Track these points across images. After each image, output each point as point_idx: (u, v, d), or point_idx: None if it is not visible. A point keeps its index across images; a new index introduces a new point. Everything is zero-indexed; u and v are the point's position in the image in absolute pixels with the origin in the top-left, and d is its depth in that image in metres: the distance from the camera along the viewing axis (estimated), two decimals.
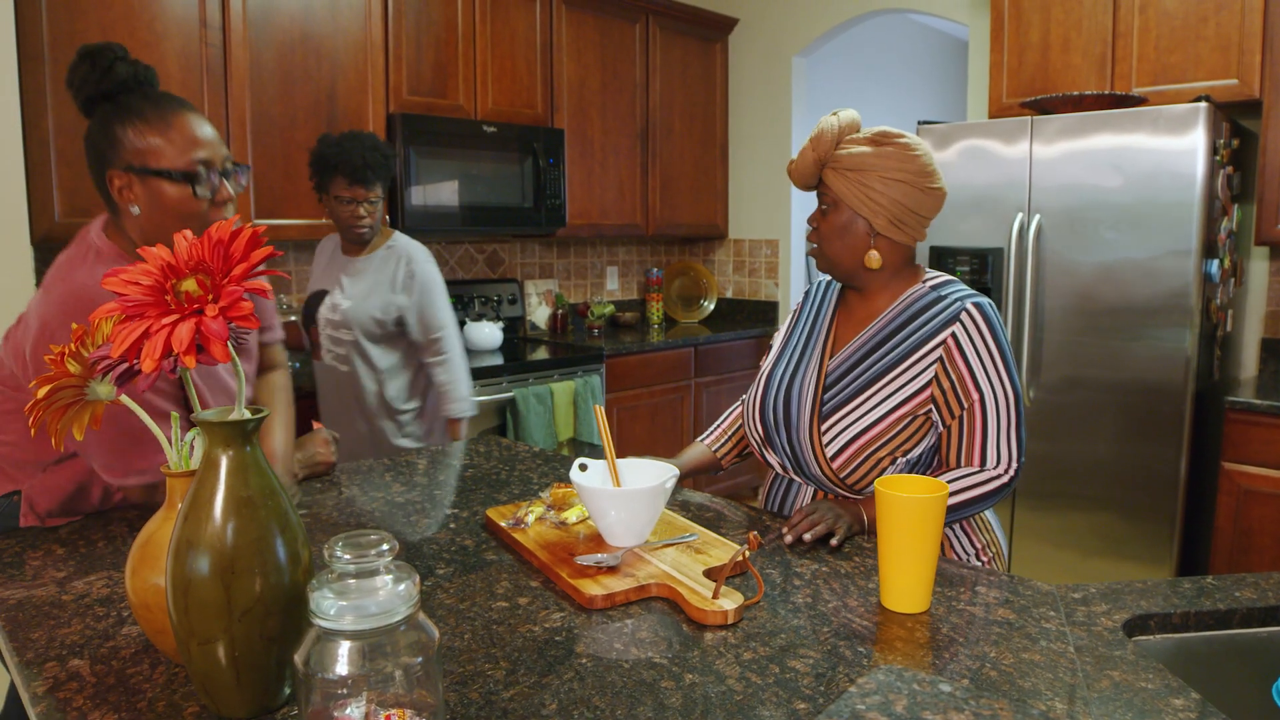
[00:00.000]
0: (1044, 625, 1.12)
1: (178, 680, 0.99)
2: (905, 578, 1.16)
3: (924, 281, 1.58)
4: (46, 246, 2.97)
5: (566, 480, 1.73)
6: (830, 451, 1.52)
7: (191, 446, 1.01)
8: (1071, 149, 3.04)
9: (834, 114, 1.54)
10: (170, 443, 1.00)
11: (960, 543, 1.57)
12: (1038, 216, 3.12)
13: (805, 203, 5.07)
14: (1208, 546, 3.00)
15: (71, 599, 1.23)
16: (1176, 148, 2.83)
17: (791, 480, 1.65)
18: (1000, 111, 3.55)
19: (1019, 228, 3.15)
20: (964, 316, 1.49)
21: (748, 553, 1.23)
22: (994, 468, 1.48)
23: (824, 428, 1.53)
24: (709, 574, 1.23)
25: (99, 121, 1.46)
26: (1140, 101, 3.09)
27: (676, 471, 1.38)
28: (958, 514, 1.46)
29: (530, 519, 1.45)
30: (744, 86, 5.03)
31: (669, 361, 4.26)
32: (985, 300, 1.52)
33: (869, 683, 0.97)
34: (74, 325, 1.00)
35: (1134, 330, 2.96)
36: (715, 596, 1.14)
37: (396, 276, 2.67)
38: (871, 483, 1.50)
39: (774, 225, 4.99)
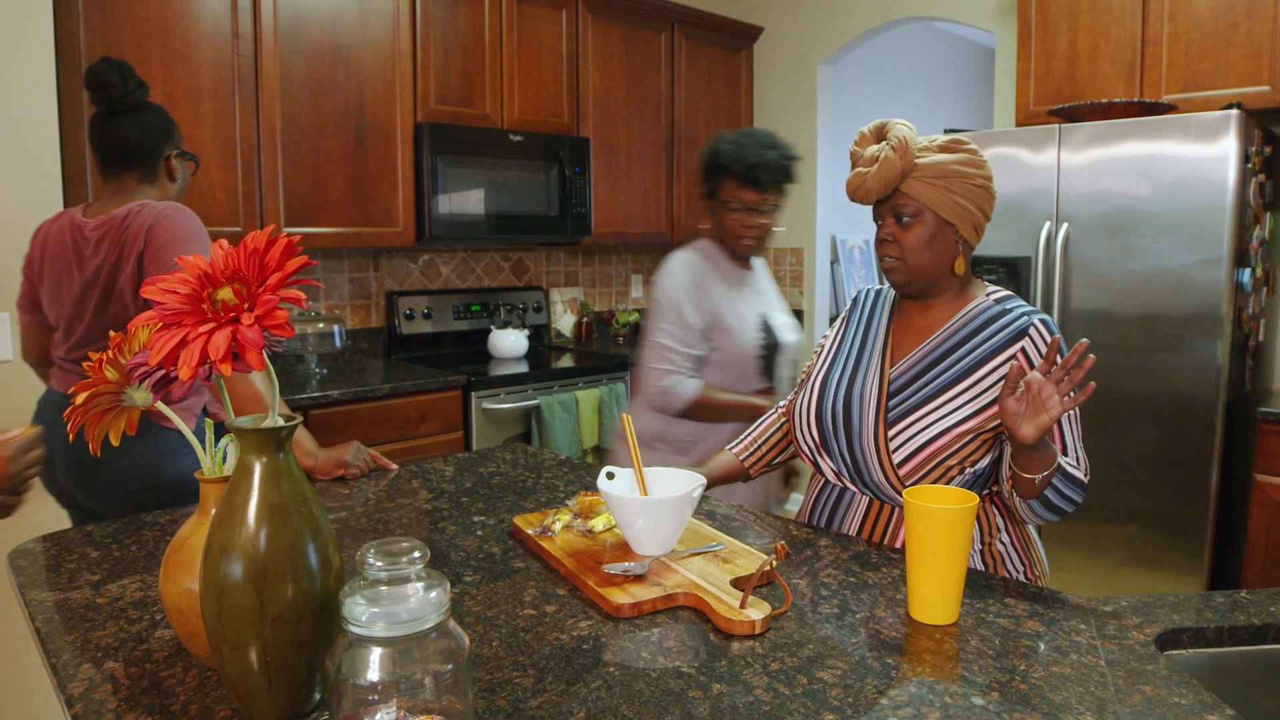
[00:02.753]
0: (1074, 639, 1.11)
1: (210, 684, 1.00)
2: (934, 589, 1.15)
3: (987, 295, 1.59)
4: None
5: (593, 488, 1.74)
6: (898, 459, 1.51)
7: (225, 453, 1.02)
8: (1100, 157, 3.01)
9: (896, 122, 1.52)
10: (204, 449, 1.01)
11: (1011, 559, 1.55)
12: (1066, 225, 3.09)
13: (830, 211, 5.06)
14: (1240, 559, 2.96)
15: (106, 602, 1.24)
16: (1207, 155, 2.80)
17: (844, 490, 1.63)
18: (1027, 119, 3.53)
19: (1046, 236, 3.13)
20: (1032, 332, 1.50)
21: (775, 562, 1.23)
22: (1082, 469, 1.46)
23: (890, 434, 1.52)
24: (736, 583, 1.23)
25: (160, 119, 2.05)
26: (1170, 109, 3.06)
27: (704, 481, 1.38)
28: (1067, 491, 1.40)
29: (557, 527, 1.45)
30: (769, 95, 5.03)
31: None
32: (1049, 317, 1.53)
33: (900, 695, 0.96)
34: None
35: (1164, 340, 2.93)
36: (743, 606, 1.14)
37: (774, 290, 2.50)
38: None
39: (799, 233, 4.98)
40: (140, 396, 1.03)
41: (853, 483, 1.60)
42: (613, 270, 4.88)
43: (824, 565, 1.37)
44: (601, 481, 1.39)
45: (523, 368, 3.67)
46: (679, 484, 1.42)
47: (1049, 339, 1.49)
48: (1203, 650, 1.14)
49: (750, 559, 1.32)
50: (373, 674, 0.77)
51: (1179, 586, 2.95)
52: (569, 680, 1.00)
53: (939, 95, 6.62)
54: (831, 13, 4.72)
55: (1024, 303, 1.57)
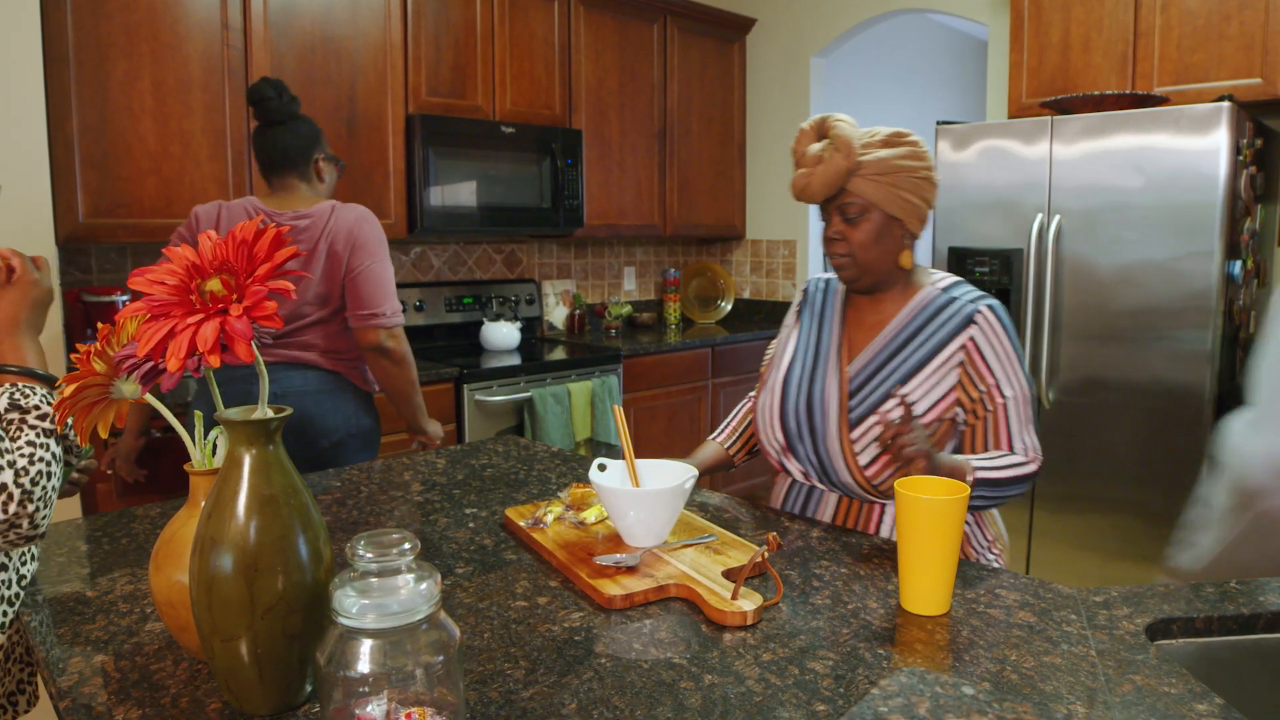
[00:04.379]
0: (1065, 629, 1.11)
1: (200, 676, 1.00)
2: (925, 580, 1.15)
3: (933, 283, 1.60)
4: (72, 247, 3.01)
5: (585, 480, 1.74)
6: (864, 460, 1.53)
7: (215, 445, 1.02)
8: (1092, 149, 3.02)
9: (835, 118, 1.52)
10: (194, 441, 1.01)
11: (976, 535, 1.59)
12: (1058, 217, 3.10)
13: None
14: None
15: (96, 595, 1.24)
16: (1199, 148, 2.81)
17: (813, 489, 1.64)
18: (1020, 112, 3.53)
19: (1039, 228, 3.14)
20: (979, 319, 1.52)
21: (767, 554, 1.23)
22: (1024, 455, 1.52)
23: (854, 435, 1.53)
24: (728, 575, 1.23)
25: (310, 128, 2.36)
26: (1162, 101, 3.06)
27: (695, 472, 1.38)
28: (1001, 490, 1.47)
29: (549, 519, 1.45)
30: (762, 87, 5.02)
31: (686, 362, 4.26)
32: (996, 302, 1.55)
33: (891, 685, 0.96)
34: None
35: (1155, 332, 2.94)
36: (734, 597, 1.14)
37: None
38: None
39: (792, 226, 4.98)
40: (129, 388, 1.03)
41: (821, 482, 1.62)
42: (605, 263, 4.87)
43: (816, 556, 1.37)
44: (593, 473, 1.38)
45: (515, 360, 3.67)
46: (671, 475, 1.42)
47: (996, 326, 1.52)
48: (1192, 640, 1.15)
49: (742, 550, 1.32)
50: (363, 666, 0.77)
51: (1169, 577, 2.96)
52: (561, 672, 1.00)
53: (932, 87, 6.62)
54: (825, 4, 4.72)
55: (971, 288, 1.59)
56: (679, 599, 1.20)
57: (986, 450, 1.53)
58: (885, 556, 1.37)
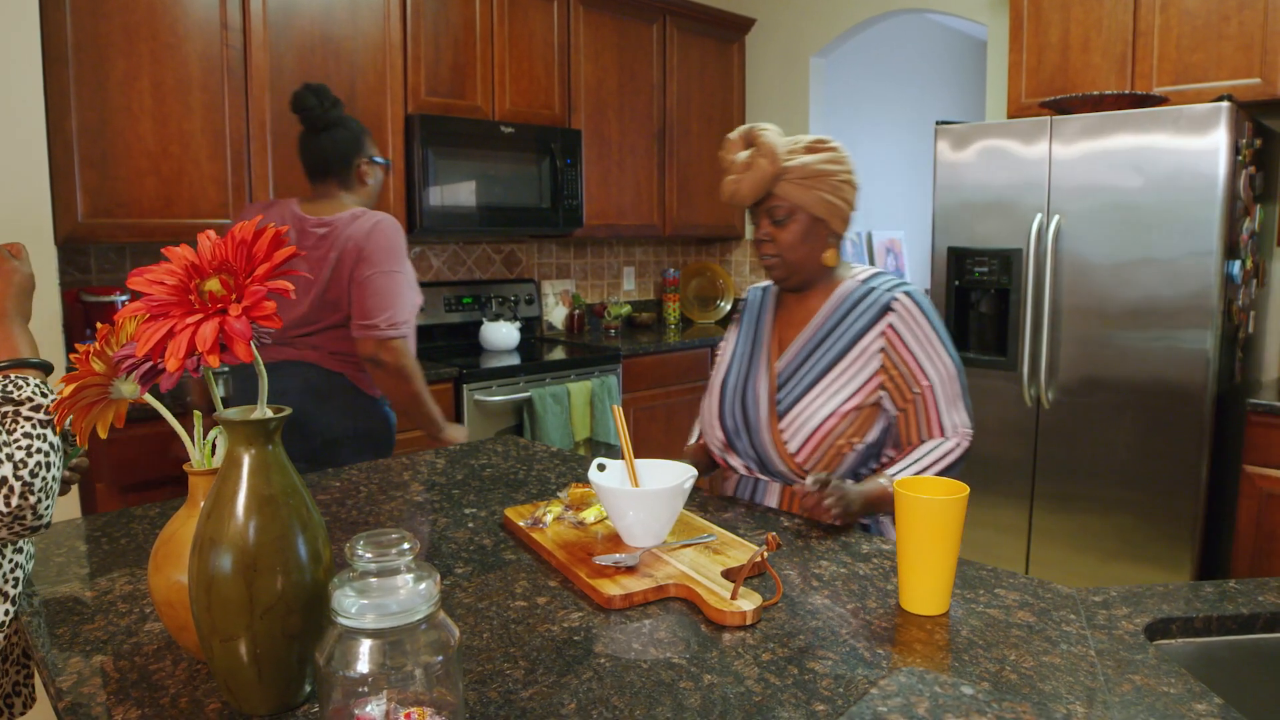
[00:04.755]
0: (1064, 628, 1.11)
1: (199, 676, 1.00)
2: (924, 579, 1.15)
3: (853, 277, 1.71)
4: (71, 247, 3.00)
5: (584, 480, 1.74)
6: (792, 448, 1.62)
7: (214, 445, 1.02)
8: (1091, 149, 3.02)
9: (761, 127, 1.61)
10: (193, 441, 1.01)
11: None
12: (1057, 217, 3.10)
13: None
14: (1229, 550, 2.97)
15: (95, 595, 1.24)
16: (1198, 148, 2.81)
17: (757, 480, 1.73)
18: (1019, 112, 3.53)
19: (1038, 228, 3.14)
20: (896, 306, 1.62)
21: (766, 553, 1.23)
22: (953, 438, 1.61)
23: (782, 426, 1.64)
24: (727, 575, 1.23)
25: (351, 133, 2.41)
26: (1161, 101, 3.06)
27: (694, 472, 1.38)
28: None
29: (548, 519, 1.45)
30: (761, 87, 5.02)
31: (685, 362, 4.26)
32: (913, 288, 1.66)
33: (890, 685, 0.96)
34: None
35: (1154, 332, 2.94)
36: (734, 597, 1.14)
37: None
38: (834, 471, 1.62)
39: None
40: (128, 388, 1.02)
41: (762, 474, 1.71)
42: (605, 262, 4.87)
43: (815, 556, 1.37)
44: (593, 473, 1.38)
45: (514, 360, 3.67)
46: (670, 475, 1.42)
47: (914, 310, 1.62)
48: (1191, 640, 1.15)
49: (741, 550, 1.32)
50: (363, 666, 0.77)
51: (1168, 577, 2.96)
52: (560, 671, 1.00)
53: (931, 87, 6.62)
54: (824, 5, 4.72)
55: (891, 277, 1.69)
56: (678, 599, 1.20)
57: (919, 436, 1.62)
58: (884, 556, 1.37)
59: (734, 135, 1.64)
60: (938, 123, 3.40)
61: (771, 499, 1.70)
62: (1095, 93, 3.08)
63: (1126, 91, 3.11)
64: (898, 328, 1.61)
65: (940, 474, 1.55)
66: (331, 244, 2.31)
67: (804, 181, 1.59)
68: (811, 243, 1.64)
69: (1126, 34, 3.26)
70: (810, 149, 1.60)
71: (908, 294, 1.63)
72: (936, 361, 1.61)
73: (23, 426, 1.11)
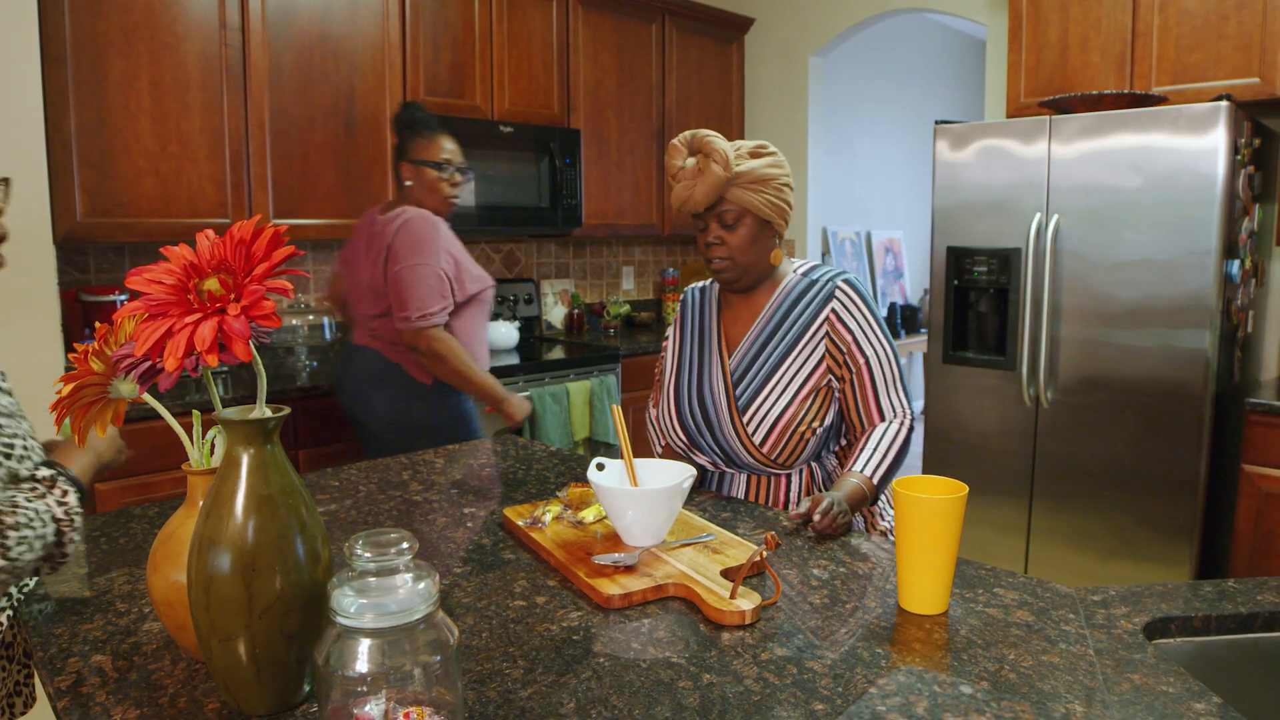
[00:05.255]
0: (1063, 628, 1.11)
1: (198, 676, 1.00)
2: (924, 579, 1.15)
3: (795, 271, 1.77)
4: (69, 246, 3.00)
5: (583, 480, 1.74)
6: (757, 439, 1.69)
7: (213, 445, 1.01)
8: (1090, 149, 3.02)
9: (706, 134, 1.64)
10: (191, 441, 1.00)
11: (888, 515, 1.73)
12: (1056, 217, 3.10)
13: (821, 204, 5.06)
14: (1228, 550, 2.98)
15: (94, 595, 1.24)
16: (1197, 147, 2.81)
17: (724, 473, 1.78)
18: (1018, 111, 3.53)
19: (1037, 228, 3.14)
20: (838, 294, 1.70)
21: (765, 553, 1.23)
22: (893, 418, 1.68)
23: (745, 419, 1.69)
24: (726, 574, 1.23)
25: (399, 138, 2.73)
26: (1160, 101, 3.06)
27: (693, 472, 1.38)
28: (895, 470, 1.63)
29: (547, 518, 1.45)
30: (760, 87, 5.02)
31: None
32: (852, 276, 1.74)
33: (889, 684, 0.96)
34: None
35: (1153, 331, 2.94)
36: (733, 596, 1.14)
37: None
38: (798, 457, 1.70)
39: (791, 226, 4.98)
40: (126, 388, 1.02)
41: (729, 467, 1.76)
42: (604, 262, 4.87)
43: (814, 556, 1.37)
44: (592, 473, 1.38)
45: (514, 360, 3.67)
46: (669, 475, 1.42)
47: (854, 296, 1.70)
48: (1190, 639, 1.15)
49: (740, 549, 1.32)
50: (361, 665, 0.77)
51: (1167, 576, 2.96)
52: (559, 671, 1.00)
53: (930, 87, 6.63)
54: (823, 4, 4.71)
55: (829, 268, 1.76)
56: (677, 598, 1.20)
57: (859, 412, 1.69)
58: (884, 555, 1.37)
59: (678, 142, 1.67)
60: (937, 122, 3.40)
61: (738, 490, 1.76)
62: (1094, 92, 3.08)
63: (1125, 91, 3.11)
64: (838, 310, 1.69)
65: (896, 457, 1.63)
66: (380, 242, 2.62)
67: (753, 186, 1.64)
68: (761, 245, 1.70)
69: (1125, 33, 3.26)
70: (754, 154, 1.66)
71: (847, 281, 1.72)
72: (873, 340, 1.69)
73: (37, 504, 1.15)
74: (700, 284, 1.91)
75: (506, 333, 3.93)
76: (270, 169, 3.14)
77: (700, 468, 1.81)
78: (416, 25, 3.52)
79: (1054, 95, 3.34)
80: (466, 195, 3.65)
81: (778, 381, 1.69)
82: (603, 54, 4.25)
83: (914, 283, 6.59)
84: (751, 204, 1.65)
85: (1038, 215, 3.14)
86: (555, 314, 4.57)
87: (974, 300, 3.39)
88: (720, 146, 1.62)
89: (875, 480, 1.59)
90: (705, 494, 1.73)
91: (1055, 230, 3.10)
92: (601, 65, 4.25)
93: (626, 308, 4.64)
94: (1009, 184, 3.21)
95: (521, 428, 2.97)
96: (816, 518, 1.43)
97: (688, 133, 1.67)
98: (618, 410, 1.47)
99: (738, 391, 1.71)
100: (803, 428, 1.67)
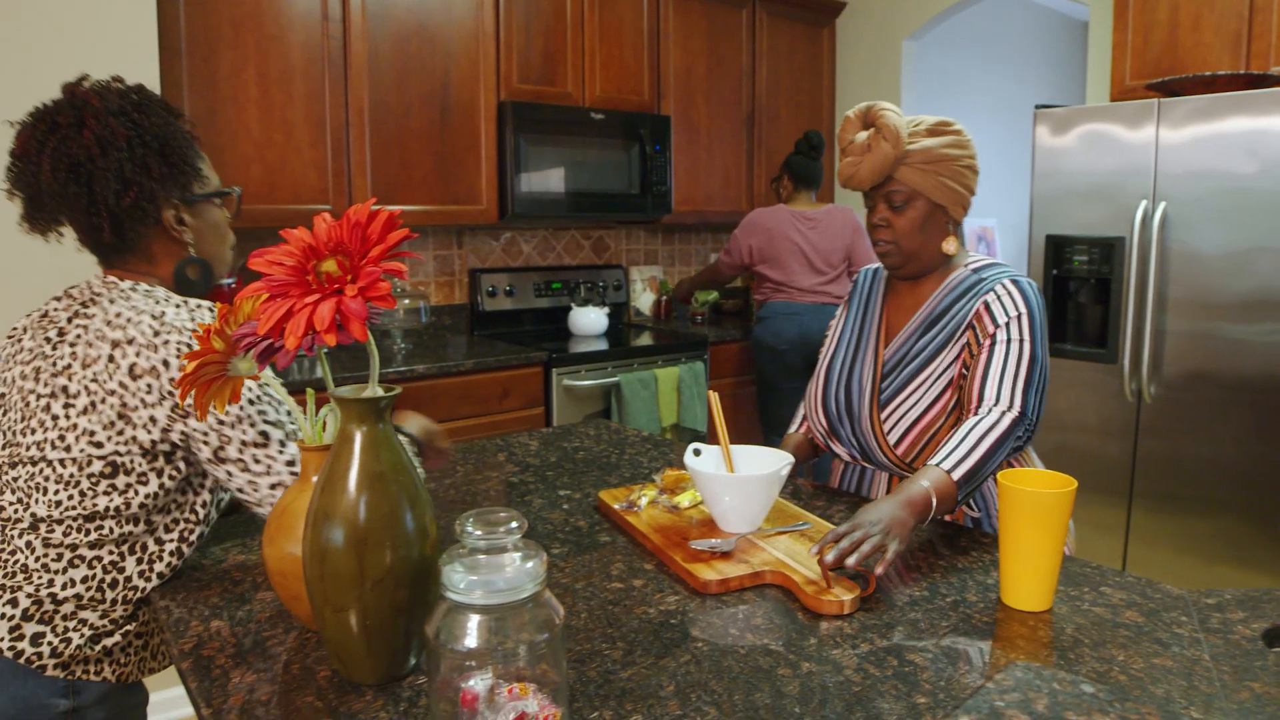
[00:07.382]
0: (1175, 630, 1.07)
1: (310, 644, 1.04)
2: (1027, 574, 1.13)
3: (967, 265, 1.61)
4: None
5: (677, 465, 1.74)
6: (893, 439, 1.57)
7: (324, 422, 1.05)
8: (1202, 133, 2.89)
9: (882, 106, 1.52)
10: (305, 418, 1.04)
11: (975, 503, 1.58)
12: (1163, 204, 2.98)
13: None
14: None
15: (210, 564, 1.29)
16: None
17: (864, 468, 1.68)
18: (1123, 94, 3.40)
19: (1142, 216, 3.02)
20: (997, 288, 1.52)
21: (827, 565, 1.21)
22: (994, 405, 1.42)
23: (884, 416, 1.58)
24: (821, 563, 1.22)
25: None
26: (1278, 81, 2.92)
27: (790, 459, 1.37)
28: (987, 466, 1.35)
29: (643, 502, 1.46)
30: (851, 71, 4.94)
31: None
32: (1024, 279, 1.54)
33: (1006, 679, 0.95)
34: None
35: (1267, 325, 2.80)
36: (827, 585, 1.13)
37: None
38: None
39: None
40: (245, 366, 1.06)
41: (866, 462, 1.65)
42: (692, 249, 4.86)
43: (911, 548, 1.35)
44: (689, 458, 1.39)
45: (602, 345, 3.69)
46: (766, 462, 1.41)
47: (1014, 292, 1.51)
48: None
49: None
50: (470, 641, 0.78)
51: (1278, 583, 2.83)
52: (658, 654, 1.01)
53: (1028, 70, 6.42)
54: None
55: (1005, 268, 1.58)
56: (774, 586, 1.20)
57: (966, 396, 1.47)
58: (984, 549, 1.34)
59: (852, 114, 1.55)
60: (1037, 106, 3.30)
61: (879, 490, 1.64)
62: (1207, 73, 2.94)
63: (1241, 71, 2.96)
64: (990, 303, 1.51)
65: (989, 451, 1.35)
66: (826, 225, 3.79)
67: (926, 166, 1.51)
68: (929, 230, 1.55)
69: (1242, 10, 3.11)
70: (933, 131, 1.52)
71: (1014, 280, 1.53)
72: (1013, 330, 1.48)
73: None
74: (875, 265, 1.78)
75: (595, 318, 3.96)
76: (369, 156, 3.22)
77: (839, 459, 1.70)
78: (510, 14, 3.55)
79: (1162, 77, 3.20)
80: (557, 182, 3.69)
81: (922, 381, 1.55)
82: (693, 40, 4.23)
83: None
84: (922, 186, 1.51)
85: (1144, 202, 3.02)
86: (644, 300, 4.58)
87: (1073, 290, 3.29)
88: (891, 122, 1.49)
89: (958, 477, 1.32)
90: (800, 480, 1.71)
91: (1162, 218, 2.98)
92: (691, 51, 4.23)
93: (715, 295, 4.63)
94: (1113, 170, 3.10)
95: (610, 412, 2.98)
96: (830, 556, 1.15)
97: (864, 104, 1.54)
98: (714, 396, 1.47)
99: (883, 385, 1.59)
100: (943, 433, 1.53)
